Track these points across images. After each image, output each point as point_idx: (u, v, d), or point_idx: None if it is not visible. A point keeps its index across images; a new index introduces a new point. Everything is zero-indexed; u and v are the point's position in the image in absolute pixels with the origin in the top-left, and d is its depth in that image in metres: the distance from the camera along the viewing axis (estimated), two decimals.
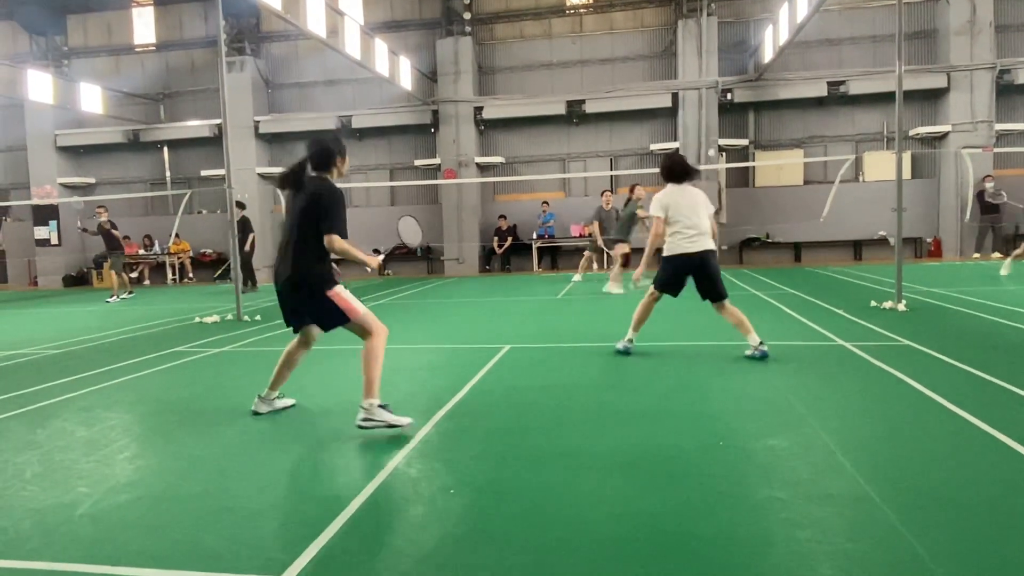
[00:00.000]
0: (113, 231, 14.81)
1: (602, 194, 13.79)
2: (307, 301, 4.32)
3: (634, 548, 2.58)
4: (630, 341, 6.45)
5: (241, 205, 14.65)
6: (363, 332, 4.30)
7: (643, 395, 4.92)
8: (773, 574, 2.36)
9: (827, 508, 2.87)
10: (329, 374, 6.09)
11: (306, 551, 2.62)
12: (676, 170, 6.19)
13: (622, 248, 12.45)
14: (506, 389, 5.26)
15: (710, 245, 6.11)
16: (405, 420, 4.15)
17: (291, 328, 4.57)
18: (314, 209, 4.18)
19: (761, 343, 5.93)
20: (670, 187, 6.17)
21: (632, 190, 12.49)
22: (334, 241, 4.16)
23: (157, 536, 2.83)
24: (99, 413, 4.94)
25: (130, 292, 15.59)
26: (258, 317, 10.23)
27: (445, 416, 4.49)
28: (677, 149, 19.25)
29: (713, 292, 6.09)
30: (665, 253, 6.17)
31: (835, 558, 2.44)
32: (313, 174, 4.36)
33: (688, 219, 6.01)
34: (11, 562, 2.64)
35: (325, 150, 4.33)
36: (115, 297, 14.94)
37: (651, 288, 6.34)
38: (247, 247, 15.59)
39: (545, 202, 19.70)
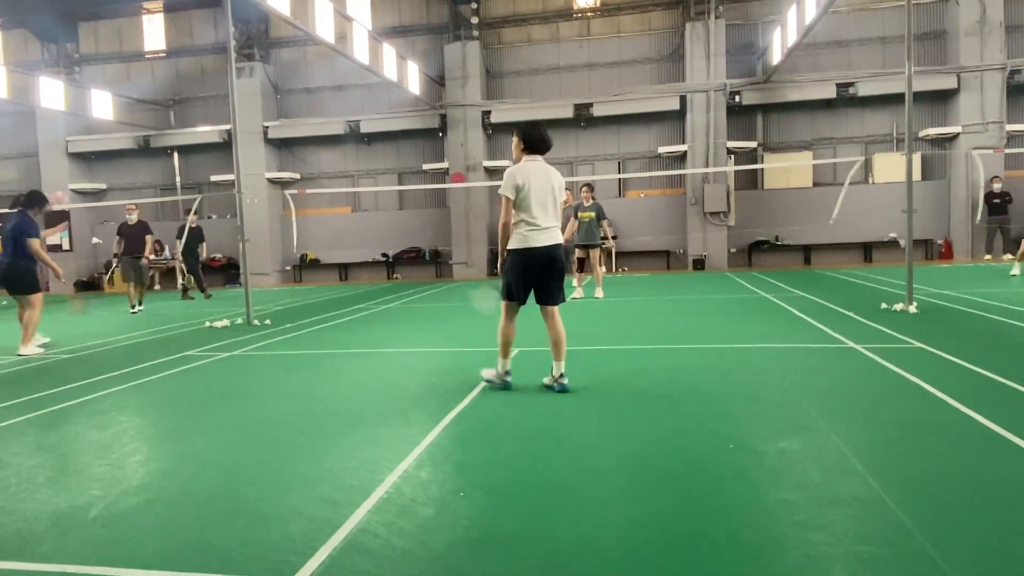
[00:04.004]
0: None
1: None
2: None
3: (644, 552, 2.57)
4: (507, 373, 5.33)
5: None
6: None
7: (652, 399, 4.91)
8: None
9: (839, 511, 2.86)
10: (336, 377, 6.12)
11: (316, 553, 2.63)
12: (536, 137, 5.04)
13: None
14: (516, 392, 5.26)
15: (559, 239, 5.10)
16: None
17: None
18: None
19: (562, 376, 5.10)
20: (526, 160, 5.04)
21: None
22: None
23: (169, 538, 2.84)
24: (112, 416, 4.97)
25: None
26: (268, 321, 10.27)
27: (455, 419, 4.50)
28: (686, 152, 19.24)
29: (556, 295, 5.14)
30: (510, 246, 5.07)
31: (847, 561, 2.43)
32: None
33: (539, 205, 4.93)
34: (25, 564, 2.66)
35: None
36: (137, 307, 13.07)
37: (501, 302, 5.26)
38: (197, 255, 15.70)
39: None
